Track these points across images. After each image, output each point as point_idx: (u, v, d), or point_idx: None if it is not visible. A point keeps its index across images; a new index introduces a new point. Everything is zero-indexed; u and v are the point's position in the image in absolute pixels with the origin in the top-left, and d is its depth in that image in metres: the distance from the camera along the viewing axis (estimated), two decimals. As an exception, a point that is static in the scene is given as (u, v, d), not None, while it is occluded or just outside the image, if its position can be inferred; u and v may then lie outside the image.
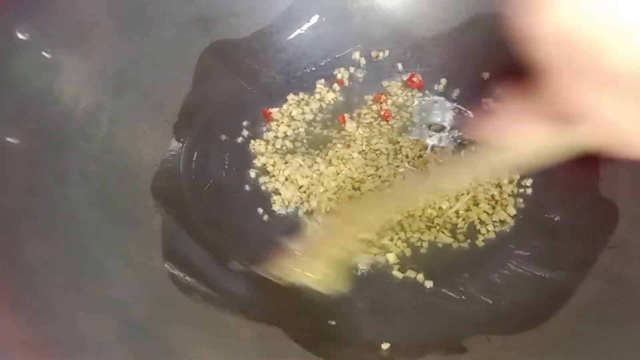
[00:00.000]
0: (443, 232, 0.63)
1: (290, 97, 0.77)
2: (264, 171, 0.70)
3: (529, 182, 0.66)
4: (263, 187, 0.68)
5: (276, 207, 0.66)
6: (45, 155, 0.54)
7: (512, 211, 0.64)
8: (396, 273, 0.60)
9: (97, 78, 0.63)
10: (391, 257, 0.61)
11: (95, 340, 0.43)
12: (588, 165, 0.64)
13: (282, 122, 0.74)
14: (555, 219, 0.63)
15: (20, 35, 0.57)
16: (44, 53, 0.59)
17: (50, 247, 0.48)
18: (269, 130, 0.74)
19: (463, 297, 0.58)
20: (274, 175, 0.69)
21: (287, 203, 0.67)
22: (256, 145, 0.72)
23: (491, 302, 0.57)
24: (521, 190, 0.66)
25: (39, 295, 0.44)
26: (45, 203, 0.51)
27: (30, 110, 0.56)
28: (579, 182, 0.64)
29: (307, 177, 0.68)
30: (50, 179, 0.53)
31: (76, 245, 0.50)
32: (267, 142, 0.72)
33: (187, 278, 0.54)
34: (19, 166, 0.52)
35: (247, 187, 0.68)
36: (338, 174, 0.68)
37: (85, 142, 0.59)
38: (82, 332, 0.43)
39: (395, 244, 0.62)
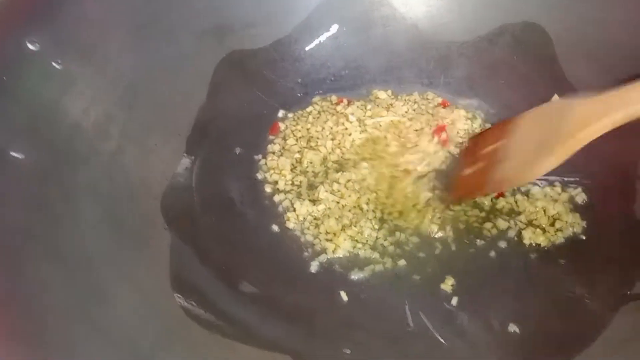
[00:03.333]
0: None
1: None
2: (276, 187, 0.67)
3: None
4: (277, 203, 0.65)
5: (290, 225, 0.63)
6: (52, 170, 0.52)
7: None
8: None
9: (108, 90, 0.61)
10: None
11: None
12: (625, 187, 0.61)
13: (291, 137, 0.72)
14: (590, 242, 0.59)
15: (30, 46, 0.55)
16: (54, 64, 0.57)
17: (53, 269, 0.46)
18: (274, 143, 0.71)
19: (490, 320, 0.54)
20: (288, 192, 0.66)
21: (302, 219, 0.64)
22: (268, 160, 0.69)
23: (519, 331, 0.53)
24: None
25: (39, 322, 0.42)
26: (49, 221, 0.49)
27: (37, 123, 0.54)
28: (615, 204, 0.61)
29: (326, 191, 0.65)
30: (57, 196, 0.51)
31: (81, 266, 0.48)
32: (281, 156, 0.70)
33: (195, 304, 0.51)
34: (23, 182, 0.50)
35: (261, 203, 0.66)
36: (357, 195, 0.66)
37: (94, 156, 0.57)
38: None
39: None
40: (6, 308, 0.41)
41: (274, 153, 0.70)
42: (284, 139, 0.71)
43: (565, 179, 0.65)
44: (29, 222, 0.48)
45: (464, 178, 0.62)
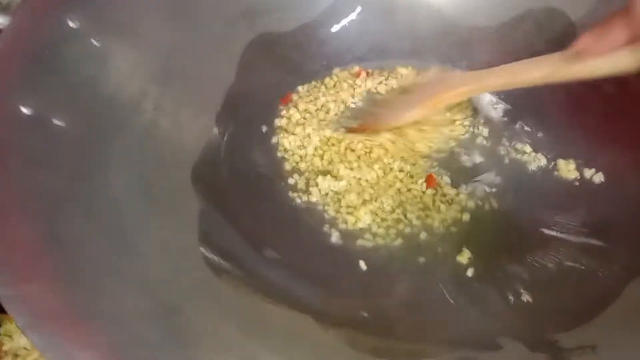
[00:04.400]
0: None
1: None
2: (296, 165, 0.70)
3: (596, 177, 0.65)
4: (298, 178, 0.68)
5: (313, 198, 0.66)
6: (90, 139, 0.55)
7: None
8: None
9: (143, 67, 0.64)
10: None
11: (127, 316, 0.43)
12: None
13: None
14: (605, 218, 0.60)
15: (71, 24, 0.59)
16: (93, 41, 0.60)
17: (88, 228, 0.49)
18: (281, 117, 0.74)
19: (504, 289, 0.56)
20: (306, 170, 0.69)
21: (324, 194, 0.66)
22: (280, 138, 0.72)
23: (531, 300, 0.55)
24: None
25: (75, 271, 0.45)
26: (86, 185, 0.52)
27: (77, 95, 0.57)
28: (632, 181, 0.62)
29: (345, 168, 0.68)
30: (93, 162, 0.54)
31: (114, 227, 0.51)
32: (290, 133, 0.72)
33: (221, 261, 0.54)
34: (64, 148, 0.53)
35: (285, 178, 0.68)
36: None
37: (129, 128, 0.60)
38: (115, 308, 0.44)
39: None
40: (47, 257, 0.45)
41: (282, 129, 0.73)
42: (293, 109, 0.74)
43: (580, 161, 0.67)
44: (66, 184, 0.51)
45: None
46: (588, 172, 0.66)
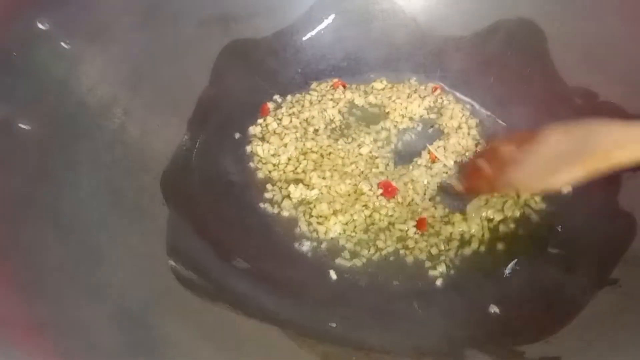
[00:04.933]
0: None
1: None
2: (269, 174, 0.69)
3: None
4: (271, 186, 0.68)
5: (284, 207, 0.66)
6: (56, 142, 0.55)
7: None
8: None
9: (113, 70, 0.63)
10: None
11: (86, 324, 0.43)
12: (609, 177, 0.62)
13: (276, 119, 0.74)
14: (572, 229, 0.60)
15: (40, 25, 0.58)
16: (62, 43, 0.59)
17: (51, 231, 0.48)
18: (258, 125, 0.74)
19: (472, 302, 0.57)
20: (279, 179, 0.69)
21: (295, 202, 0.66)
22: (254, 146, 0.71)
23: (499, 312, 0.55)
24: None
25: (34, 276, 0.44)
26: (50, 188, 0.51)
27: (45, 98, 0.56)
28: (599, 193, 0.62)
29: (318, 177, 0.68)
30: (58, 166, 0.54)
31: (78, 231, 0.50)
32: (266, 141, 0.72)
33: (189, 272, 0.53)
34: (28, 151, 0.52)
35: (256, 186, 0.68)
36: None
37: (97, 132, 0.59)
38: (74, 315, 0.43)
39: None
40: (5, 262, 0.44)
41: (257, 137, 0.72)
42: (271, 121, 0.74)
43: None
44: (30, 189, 0.50)
45: (477, 171, 0.61)
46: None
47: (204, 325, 0.49)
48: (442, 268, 0.60)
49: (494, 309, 0.55)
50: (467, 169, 0.65)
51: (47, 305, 0.43)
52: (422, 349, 0.51)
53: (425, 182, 0.67)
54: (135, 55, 0.65)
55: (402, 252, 0.62)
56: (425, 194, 0.66)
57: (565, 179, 0.50)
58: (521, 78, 0.74)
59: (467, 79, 0.77)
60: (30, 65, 0.57)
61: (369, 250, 0.62)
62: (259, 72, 0.77)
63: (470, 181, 0.64)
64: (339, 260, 0.61)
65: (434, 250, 0.62)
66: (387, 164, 0.70)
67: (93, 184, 0.55)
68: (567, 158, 0.49)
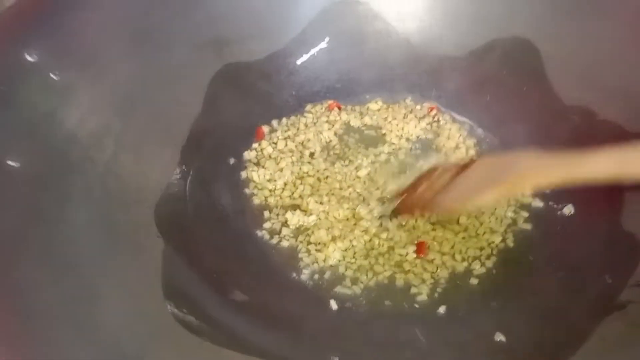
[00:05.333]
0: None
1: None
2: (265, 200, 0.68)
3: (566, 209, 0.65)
4: (267, 213, 0.67)
5: (282, 234, 0.64)
6: (46, 178, 0.53)
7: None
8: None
9: (105, 100, 0.62)
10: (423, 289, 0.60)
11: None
12: (611, 197, 0.61)
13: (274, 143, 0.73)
14: (575, 252, 0.59)
15: (28, 57, 0.57)
16: (51, 75, 0.58)
17: (43, 271, 0.47)
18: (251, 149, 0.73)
19: (477, 330, 0.55)
20: (275, 204, 0.68)
21: (293, 229, 0.65)
22: (249, 172, 0.70)
23: (505, 340, 0.53)
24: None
25: (26, 319, 0.43)
26: (42, 226, 0.50)
27: (34, 132, 0.55)
28: (600, 213, 0.61)
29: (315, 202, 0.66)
30: (50, 202, 0.52)
31: (72, 270, 0.49)
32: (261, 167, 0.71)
33: (187, 314, 0.51)
34: (18, 189, 0.51)
35: (252, 213, 0.67)
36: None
37: (89, 165, 0.58)
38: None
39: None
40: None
41: (252, 162, 0.71)
42: (266, 145, 0.73)
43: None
44: (20, 226, 0.49)
45: (412, 196, 0.63)
46: (558, 204, 0.65)
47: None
48: (444, 295, 0.59)
49: (499, 337, 0.54)
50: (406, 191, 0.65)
51: (38, 350, 0.41)
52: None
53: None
54: (127, 83, 0.64)
55: (400, 277, 0.61)
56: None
57: (484, 199, 0.54)
58: (518, 96, 0.73)
59: (463, 98, 0.77)
60: (18, 98, 0.55)
61: (367, 276, 0.61)
62: (252, 95, 0.75)
63: (405, 202, 0.64)
64: (339, 289, 0.60)
65: (435, 276, 0.60)
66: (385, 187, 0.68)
67: (86, 219, 0.54)
68: (489, 182, 0.54)
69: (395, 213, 0.65)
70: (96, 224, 0.54)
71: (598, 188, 0.61)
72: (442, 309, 0.58)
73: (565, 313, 0.54)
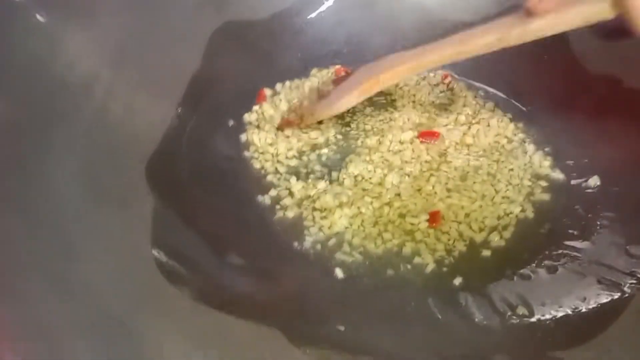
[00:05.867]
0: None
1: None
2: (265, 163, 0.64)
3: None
4: (268, 177, 0.62)
5: (284, 198, 0.59)
6: (28, 126, 0.49)
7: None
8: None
9: (95, 48, 0.57)
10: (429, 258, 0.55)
11: (56, 327, 0.36)
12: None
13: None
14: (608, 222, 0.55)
15: (14, -4, 0.52)
16: (38, 16, 0.54)
17: (21, 226, 0.42)
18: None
19: (497, 304, 0.51)
20: (276, 170, 0.63)
21: (297, 195, 0.60)
22: (249, 134, 0.65)
23: (528, 314, 0.49)
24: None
25: (2, 276, 0.38)
26: (19, 176, 0.45)
27: (17, 77, 0.51)
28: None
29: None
30: (30, 151, 0.47)
31: (50, 224, 0.44)
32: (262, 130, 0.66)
33: (177, 266, 0.46)
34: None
35: (252, 176, 0.62)
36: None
37: (75, 114, 0.53)
38: (40, 317, 0.37)
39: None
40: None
41: (253, 125, 0.67)
42: (268, 108, 0.68)
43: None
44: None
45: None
46: (583, 175, 0.61)
47: (194, 328, 0.43)
48: (459, 266, 0.54)
49: (522, 310, 0.49)
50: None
51: (18, 309, 0.36)
52: (444, 354, 0.45)
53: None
54: (119, 32, 0.59)
55: (411, 247, 0.56)
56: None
57: (347, 102, 0.61)
58: (539, 65, 0.69)
59: (479, 66, 0.72)
60: (1, 39, 0.50)
61: (374, 244, 0.56)
62: (254, 56, 0.71)
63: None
64: (340, 255, 0.55)
65: (448, 247, 0.56)
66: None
67: (69, 171, 0.49)
68: (353, 85, 0.60)
69: (280, 126, 0.66)
70: (79, 176, 0.50)
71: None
72: (456, 281, 0.53)
73: (594, 286, 0.50)
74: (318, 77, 0.72)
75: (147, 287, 0.44)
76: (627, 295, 0.48)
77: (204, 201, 0.57)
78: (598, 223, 0.56)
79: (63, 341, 0.36)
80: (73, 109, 0.53)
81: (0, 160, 0.46)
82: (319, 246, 0.56)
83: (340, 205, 0.58)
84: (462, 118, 0.67)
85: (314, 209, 0.58)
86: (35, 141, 0.49)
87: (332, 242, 0.56)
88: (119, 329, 0.40)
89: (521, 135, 0.65)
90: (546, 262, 0.53)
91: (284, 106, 0.68)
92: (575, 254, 0.53)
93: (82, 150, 0.51)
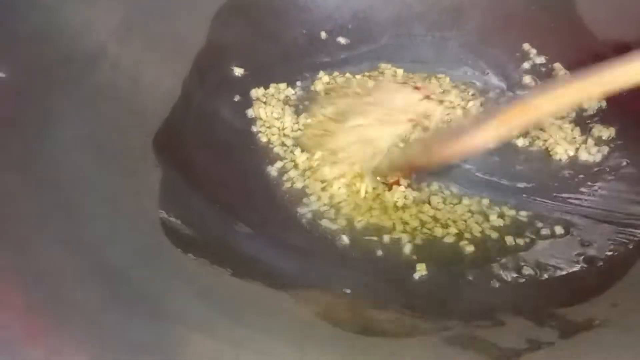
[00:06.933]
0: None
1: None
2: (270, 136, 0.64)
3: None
4: (275, 150, 0.62)
5: (288, 170, 0.60)
6: (33, 92, 0.49)
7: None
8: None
9: (101, 20, 0.57)
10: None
11: (56, 275, 0.37)
12: None
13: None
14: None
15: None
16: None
17: (20, 179, 0.43)
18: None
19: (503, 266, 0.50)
20: (282, 143, 0.63)
21: (300, 166, 0.60)
22: (256, 109, 0.66)
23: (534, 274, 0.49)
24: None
25: (4, 226, 0.39)
26: (23, 138, 0.45)
27: (23, 45, 0.51)
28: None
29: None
30: (35, 116, 0.48)
31: (50, 181, 0.44)
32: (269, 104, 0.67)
33: (183, 226, 0.47)
34: (2, 100, 0.46)
35: (258, 149, 0.63)
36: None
37: (80, 86, 0.53)
38: (42, 266, 0.37)
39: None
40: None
41: (259, 100, 0.67)
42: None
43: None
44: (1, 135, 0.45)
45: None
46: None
47: (199, 286, 0.43)
48: (466, 233, 0.54)
49: (527, 270, 0.49)
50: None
51: (12, 256, 0.37)
52: (451, 317, 0.44)
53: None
54: (126, 6, 0.59)
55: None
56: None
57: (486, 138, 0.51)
58: (545, 33, 0.68)
59: (487, 37, 0.71)
60: (8, 9, 0.51)
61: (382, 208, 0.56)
62: (260, 32, 0.71)
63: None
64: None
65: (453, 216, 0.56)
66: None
67: (72, 137, 0.49)
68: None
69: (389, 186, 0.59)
70: (83, 143, 0.50)
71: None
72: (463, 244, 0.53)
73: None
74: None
75: (151, 246, 0.44)
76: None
77: (211, 173, 0.57)
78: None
79: (61, 287, 0.37)
80: (78, 80, 0.53)
81: (8, 122, 0.46)
82: (325, 214, 0.56)
83: (342, 176, 0.58)
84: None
85: (317, 178, 0.59)
86: (41, 108, 0.49)
87: (337, 210, 0.56)
88: (118, 278, 0.40)
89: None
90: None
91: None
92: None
93: (88, 119, 0.51)
